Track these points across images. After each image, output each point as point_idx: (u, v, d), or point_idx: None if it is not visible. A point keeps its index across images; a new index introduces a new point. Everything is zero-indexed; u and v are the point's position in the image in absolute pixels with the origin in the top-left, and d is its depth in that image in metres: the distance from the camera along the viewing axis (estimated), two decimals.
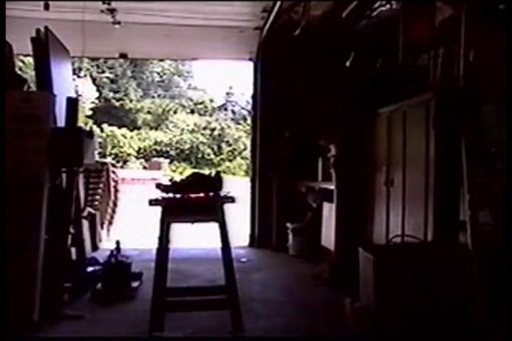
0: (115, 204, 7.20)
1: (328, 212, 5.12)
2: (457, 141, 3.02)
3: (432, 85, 3.66)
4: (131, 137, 24.27)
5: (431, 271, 2.74)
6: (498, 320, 2.59)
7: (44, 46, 3.91)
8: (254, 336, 3.13)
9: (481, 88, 3.03)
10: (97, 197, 6.34)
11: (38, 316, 3.18)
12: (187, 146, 25.33)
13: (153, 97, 28.25)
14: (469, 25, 3.12)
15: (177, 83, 29.86)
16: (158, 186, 3.17)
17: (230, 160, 25.61)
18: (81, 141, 3.61)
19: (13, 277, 3.07)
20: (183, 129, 26.02)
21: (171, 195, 3.12)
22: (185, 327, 3.23)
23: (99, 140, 20.56)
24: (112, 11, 5.47)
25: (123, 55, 6.78)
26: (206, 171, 4.09)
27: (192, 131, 26.01)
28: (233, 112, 28.25)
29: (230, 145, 26.07)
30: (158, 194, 3.13)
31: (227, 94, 28.18)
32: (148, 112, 27.16)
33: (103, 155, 19.19)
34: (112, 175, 6.90)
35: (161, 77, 28.75)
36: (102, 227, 6.48)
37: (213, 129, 26.17)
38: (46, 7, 5.04)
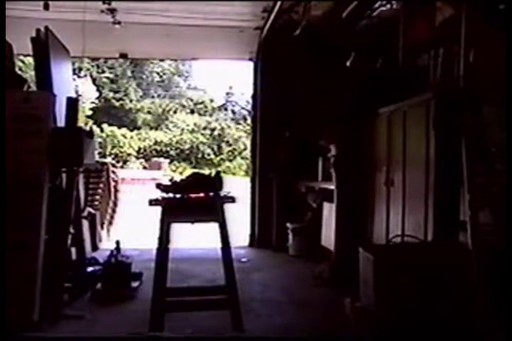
0: (115, 204, 7.20)
1: (328, 212, 5.12)
2: (457, 141, 3.02)
3: (432, 85, 3.66)
4: (131, 137, 24.25)
5: (431, 271, 2.74)
6: (498, 320, 2.59)
7: (44, 46, 3.91)
8: (254, 336, 3.13)
9: (481, 88, 3.03)
10: (97, 197, 6.34)
11: (38, 316, 3.18)
12: (187, 146, 25.32)
13: (153, 97, 28.25)
14: (469, 25, 3.12)
15: (177, 83, 29.85)
16: (158, 186, 3.17)
17: (230, 160, 25.60)
18: (81, 141, 3.61)
19: (13, 277, 3.07)
20: (183, 129, 26.02)
21: (171, 195, 3.12)
22: (185, 327, 3.23)
23: (99, 140, 20.57)
24: (112, 11, 5.47)
25: (123, 55, 6.79)
26: (206, 171, 4.09)
27: (192, 131, 26.00)
28: (233, 112, 28.25)
29: (230, 145, 26.06)
30: (158, 194, 3.13)
31: (227, 94, 28.17)
32: (148, 112, 27.16)
33: (103, 155, 19.19)
34: (111, 175, 6.90)
35: (160, 77, 28.74)
36: (102, 227, 6.48)
37: (213, 129, 26.17)
38: (46, 7, 5.03)
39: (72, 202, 3.83)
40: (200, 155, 25.47)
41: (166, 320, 3.09)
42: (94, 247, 5.87)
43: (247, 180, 7.05)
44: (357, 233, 4.41)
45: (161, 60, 25.20)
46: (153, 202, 3.08)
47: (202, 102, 28.06)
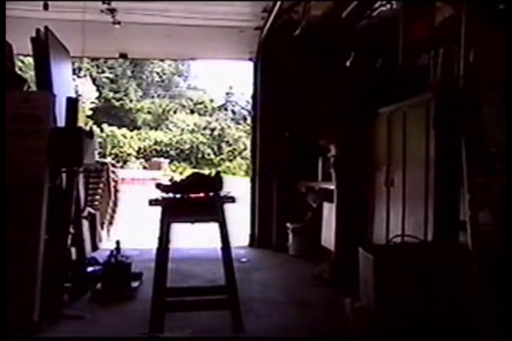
0: (115, 204, 7.20)
1: (328, 212, 5.12)
2: (457, 141, 3.02)
3: (432, 85, 3.67)
4: (131, 137, 24.26)
5: (431, 271, 2.74)
6: (498, 320, 2.59)
7: (44, 46, 3.91)
8: (254, 336, 3.13)
9: (481, 88, 3.03)
10: (97, 197, 6.34)
11: (38, 316, 3.18)
12: (187, 146, 25.33)
13: (153, 97, 28.25)
14: (469, 25, 3.12)
15: (177, 83, 29.85)
16: (158, 186, 3.17)
17: (230, 160, 25.60)
18: (81, 141, 3.61)
19: (13, 277, 3.07)
20: (183, 129, 26.02)
21: (171, 195, 3.12)
22: (185, 327, 3.22)
23: (99, 140, 20.57)
24: (112, 11, 5.47)
25: (123, 55, 6.79)
26: (206, 171, 4.09)
27: (192, 131, 26.00)
28: (233, 112, 28.24)
29: (230, 145, 26.06)
30: (158, 194, 3.13)
31: (227, 94, 28.17)
32: (148, 112, 27.16)
33: (103, 155, 19.20)
34: (111, 175, 6.90)
35: (160, 77, 28.74)
36: (102, 227, 6.48)
37: (213, 129, 26.17)
38: (45, 7, 5.03)
39: (72, 202, 3.83)
40: (200, 155, 25.47)
41: (166, 320, 3.09)
42: (94, 247, 5.87)
43: (247, 180, 7.05)
44: (357, 233, 4.41)
45: (161, 60, 25.21)
46: (153, 202, 3.08)
47: (202, 102, 28.06)
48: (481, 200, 2.86)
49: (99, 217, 6.36)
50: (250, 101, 7.32)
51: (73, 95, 4.63)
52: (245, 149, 23.83)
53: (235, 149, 25.96)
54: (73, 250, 4.18)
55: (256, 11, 5.85)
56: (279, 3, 5.23)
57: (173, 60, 22.82)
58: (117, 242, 4.12)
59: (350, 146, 4.59)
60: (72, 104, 3.77)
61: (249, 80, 6.79)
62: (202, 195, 3.14)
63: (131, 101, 26.96)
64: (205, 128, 26.21)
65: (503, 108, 2.82)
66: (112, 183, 6.94)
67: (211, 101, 28.27)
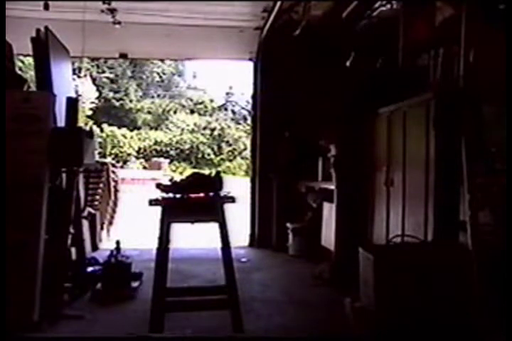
0: (115, 204, 7.20)
1: (328, 212, 5.12)
2: (457, 141, 3.02)
3: (432, 85, 3.67)
4: (131, 137, 24.27)
5: (431, 271, 2.74)
6: (498, 320, 2.59)
7: (44, 46, 3.91)
8: (254, 336, 3.13)
9: (481, 88, 3.03)
10: (97, 197, 6.33)
11: (38, 316, 3.18)
12: (187, 146, 25.33)
13: (153, 97, 28.25)
14: (469, 25, 3.12)
15: (177, 83, 29.86)
16: (158, 186, 3.17)
17: (230, 160, 25.60)
18: (81, 141, 3.61)
19: (13, 277, 3.07)
20: (183, 129, 26.03)
21: (171, 195, 3.12)
22: (185, 327, 3.23)
23: (99, 140, 20.57)
24: (112, 11, 5.47)
25: (123, 55, 6.79)
26: (206, 171, 4.09)
27: (192, 131, 26.01)
28: (233, 112, 28.24)
29: (230, 145, 26.07)
30: (158, 194, 3.13)
31: (227, 94, 28.17)
32: (148, 112, 27.16)
33: (103, 155, 19.20)
34: (111, 175, 6.89)
35: (160, 77, 28.75)
36: (102, 227, 6.48)
37: (213, 129, 26.17)
38: (46, 7, 5.03)
39: (72, 202, 3.83)
40: (200, 155, 25.48)
41: (166, 320, 3.08)
42: (94, 247, 5.87)
43: (247, 180, 7.05)
44: (357, 233, 4.41)
45: (161, 60, 25.21)
46: (153, 202, 3.07)
47: (202, 102, 28.07)
48: (481, 200, 2.86)
49: (99, 217, 6.36)
50: (250, 101, 7.32)
51: (73, 95, 4.63)
52: (245, 149, 23.83)
53: (235, 149, 25.96)
54: (73, 250, 4.18)
55: (256, 11, 5.86)
56: (279, 3, 5.23)
57: (173, 60, 22.81)
58: (117, 242, 4.12)
59: (350, 146, 4.59)
60: (72, 104, 3.77)
61: (249, 80, 6.80)
62: (202, 195, 3.14)
63: (131, 101, 26.96)
64: (205, 128, 26.21)
65: (503, 108, 2.82)
66: (112, 183, 6.93)
67: (211, 101, 28.27)
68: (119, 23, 5.60)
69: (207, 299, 3.26)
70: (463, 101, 3.04)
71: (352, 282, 3.18)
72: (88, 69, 23.49)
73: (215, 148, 25.92)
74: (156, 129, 26.28)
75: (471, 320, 2.68)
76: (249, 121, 14.05)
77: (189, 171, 15.88)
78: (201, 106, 27.96)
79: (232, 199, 3.14)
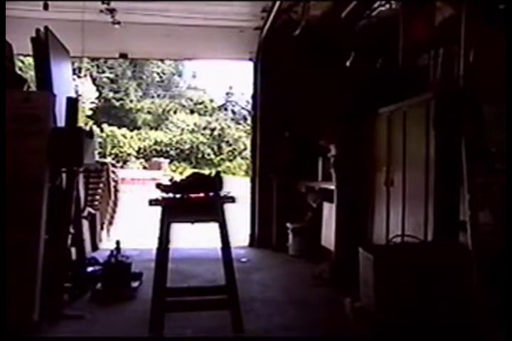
0: (115, 204, 7.20)
1: (328, 212, 5.12)
2: (457, 141, 3.02)
3: (432, 85, 3.66)
4: (131, 137, 24.27)
5: (431, 271, 2.74)
6: (498, 320, 2.59)
7: (44, 46, 3.91)
8: (254, 336, 3.13)
9: (481, 88, 3.03)
10: (97, 197, 6.33)
11: (38, 316, 3.18)
12: (187, 146, 25.33)
13: (153, 97, 28.25)
14: (469, 25, 3.12)
15: (177, 83, 29.86)
16: (158, 186, 3.17)
17: (230, 160, 25.61)
18: (81, 141, 3.61)
19: (13, 277, 3.07)
20: (183, 129, 26.03)
21: (171, 195, 3.12)
22: (185, 327, 3.23)
23: (99, 140, 20.57)
24: (111, 11, 5.47)
25: (123, 55, 6.78)
26: (206, 171, 4.09)
27: (192, 131, 26.01)
28: (233, 112, 28.26)
29: (230, 145, 26.08)
30: (158, 194, 3.13)
31: (227, 94, 28.19)
32: (148, 112, 27.17)
33: (103, 155, 19.20)
34: (111, 175, 6.89)
35: (160, 77, 28.75)
36: (102, 227, 6.48)
37: (213, 129, 26.18)
38: (45, 7, 5.03)
39: (72, 202, 3.83)
40: (200, 155, 25.48)
41: (166, 320, 3.09)
42: (94, 247, 5.87)
43: (247, 180, 7.05)
44: (357, 233, 4.41)
45: (161, 60, 25.21)
46: (153, 202, 3.08)
47: (202, 102, 28.08)
48: (481, 200, 2.86)
49: (99, 217, 6.36)
50: (250, 101, 7.32)
51: (73, 95, 4.63)
52: (245, 149, 23.84)
53: (235, 149, 25.97)
54: (73, 250, 4.18)
55: (256, 11, 5.85)
56: (278, 3, 5.23)
57: (173, 60, 22.81)
58: (117, 242, 4.12)
59: (350, 146, 4.59)
60: (72, 104, 3.77)
61: (249, 80, 6.80)
62: (202, 195, 3.14)
63: (131, 101, 26.97)
64: (205, 128, 26.22)
65: (503, 108, 2.82)
66: (112, 183, 6.94)
67: (211, 101, 28.29)
68: (119, 23, 5.61)
69: (207, 299, 3.26)
70: (463, 101, 3.04)
71: (352, 282, 3.18)
72: (88, 69, 23.49)
73: (215, 148, 25.93)
74: (156, 129, 26.29)
75: (471, 320, 2.68)
76: (249, 121, 14.04)
77: (189, 171, 15.88)
78: (201, 106, 27.97)
79: (232, 199, 3.14)
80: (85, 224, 5.31)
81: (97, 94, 17.20)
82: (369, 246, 3.15)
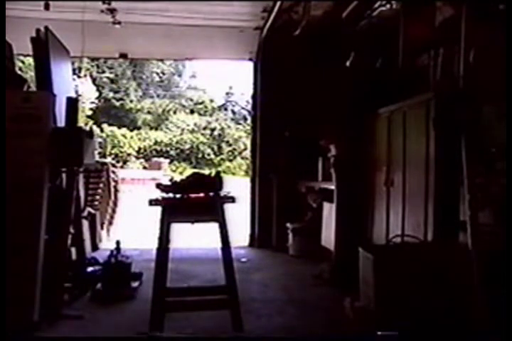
0: (115, 204, 7.20)
1: (328, 212, 5.12)
2: (457, 141, 3.02)
3: (432, 85, 3.67)
4: (131, 137, 24.26)
5: (431, 271, 2.74)
6: (498, 320, 2.59)
7: (44, 46, 3.91)
8: (254, 336, 3.13)
9: (481, 88, 3.03)
10: (97, 197, 6.34)
11: (38, 316, 3.18)
12: (187, 146, 25.33)
13: (152, 97, 28.25)
14: (469, 25, 3.12)
15: (177, 83, 29.86)
16: (158, 186, 3.17)
17: (230, 160, 25.61)
18: (81, 141, 3.61)
19: (13, 277, 3.07)
20: (183, 129, 26.03)
21: (171, 195, 3.12)
22: (185, 327, 3.23)
23: (99, 140, 20.56)
24: (111, 11, 5.47)
25: (123, 55, 6.78)
26: (206, 171, 4.09)
27: (192, 131, 26.01)
28: (233, 112, 28.26)
29: (230, 145, 26.07)
30: (158, 194, 3.13)
31: (227, 94, 28.19)
32: (148, 112, 27.16)
33: (103, 155, 19.19)
34: (111, 175, 6.90)
35: (160, 77, 28.75)
36: (102, 227, 6.48)
37: (213, 129, 26.17)
38: (46, 7, 5.04)
39: (72, 202, 3.83)
40: (200, 155, 25.48)
41: (166, 320, 3.09)
42: (94, 247, 5.87)
43: (247, 180, 7.05)
44: (357, 233, 4.41)
45: (161, 60, 25.20)
46: (153, 202, 3.08)
47: (202, 102, 28.07)
48: (481, 200, 2.86)
49: (99, 217, 6.36)
50: (250, 101, 7.32)
51: (73, 95, 4.63)
52: (245, 149, 23.83)
53: (235, 149, 25.96)
54: (73, 250, 4.18)
55: (256, 11, 5.85)
56: (279, 3, 5.23)
57: (173, 59, 22.81)
58: (117, 242, 4.12)
59: (350, 146, 4.59)
60: (72, 104, 3.77)
61: (249, 80, 6.80)
62: (202, 195, 3.14)
63: (131, 101, 26.96)
64: (205, 128, 26.21)
65: (503, 108, 2.82)
66: (112, 183, 6.94)
67: (211, 101, 28.28)
68: (119, 23, 5.61)
69: (207, 299, 3.26)
70: (463, 101, 3.04)
71: (352, 282, 3.18)
72: (88, 69, 23.50)
73: (215, 148, 25.92)
74: (156, 129, 26.28)
75: (470, 319, 2.68)
76: (249, 121, 14.04)
77: (189, 171, 15.88)
78: (201, 106, 27.96)
79: (232, 199, 3.14)
80: (85, 224, 5.31)
81: (97, 94, 17.23)
82: (369, 246, 3.15)
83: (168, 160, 22.92)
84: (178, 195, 3.11)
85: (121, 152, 23.25)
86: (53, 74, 3.93)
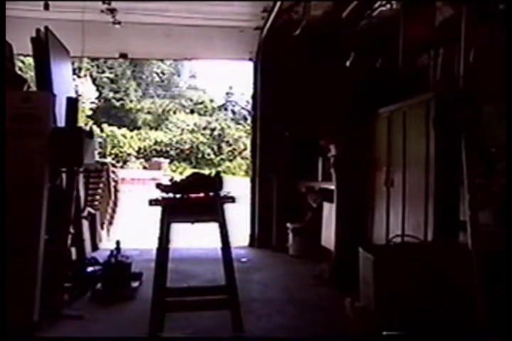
0: (115, 204, 7.20)
1: (328, 212, 5.12)
2: (457, 141, 3.02)
3: (432, 85, 3.67)
4: (131, 137, 24.25)
5: (431, 271, 2.74)
6: (498, 320, 2.59)
7: (44, 46, 3.91)
8: (254, 336, 3.13)
9: (481, 88, 3.03)
10: (97, 197, 6.34)
11: (38, 316, 3.18)
12: (187, 146, 25.32)
13: (152, 97, 28.25)
14: (469, 25, 3.12)
15: (177, 83, 29.86)
16: (158, 186, 3.17)
17: (230, 160, 25.59)
18: (81, 141, 3.61)
19: (13, 277, 3.06)
20: (183, 129, 26.02)
21: (171, 195, 3.12)
22: (185, 327, 3.23)
23: (99, 140, 20.56)
24: (111, 11, 5.47)
25: (123, 55, 6.79)
26: (206, 171, 4.09)
27: (192, 131, 26.00)
28: (233, 112, 28.24)
29: (230, 145, 26.06)
30: (158, 194, 3.13)
31: (227, 94, 28.17)
32: (148, 112, 27.15)
33: (103, 155, 19.19)
34: (111, 175, 6.90)
35: (160, 77, 28.74)
36: (102, 227, 6.48)
37: (213, 129, 26.16)
38: (46, 7, 5.04)
39: (72, 202, 3.83)
40: (200, 155, 25.47)
41: (166, 320, 3.09)
42: (94, 247, 5.87)
43: (247, 180, 7.05)
44: (357, 233, 4.41)
45: (161, 60, 25.20)
46: (153, 202, 3.08)
47: (202, 102, 28.06)
48: (481, 200, 2.86)
49: (99, 217, 6.36)
50: (250, 101, 7.32)
51: (73, 95, 4.63)
52: (245, 149, 23.82)
53: (235, 149, 25.95)
54: (73, 250, 4.18)
55: (256, 11, 5.85)
56: (279, 3, 5.24)
57: (173, 59, 22.81)
58: (117, 242, 4.12)
59: (350, 146, 4.59)
60: (72, 104, 3.77)
61: (249, 80, 6.80)
62: (202, 195, 3.14)
63: (131, 101, 26.96)
64: (205, 128, 26.20)
65: (503, 108, 2.82)
66: (112, 183, 6.94)
67: (211, 101, 28.27)
68: (119, 23, 5.61)
69: (207, 299, 3.26)
70: (463, 101, 3.04)
71: (352, 282, 3.18)
72: (88, 69, 23.50)
73: (215, 148, 25.92)
74: (156, 129, 26.27)
75: (470, 319, 2.68)
76: (249, 121, 14.04)
77: (189, 171, 15.88)
78: (201, 106, 27.95)
79: (232, 199, 3.14)
80: (85, 224, 5.31)
81: (97, 94, 17.23)
82: (369, 246, 3.15)
83: (168, 160, 22.91)
84: (178, 195, 3.11)
85: (121, 152, 23.24)
86: (53, 74, 3.93)
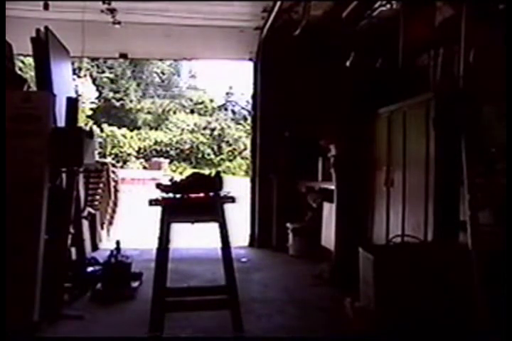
0: (115, 204, 7.20)
1: (328, 212, 5.12)
2: (457, 141, 3.02)
3: (432, 85, 3.67)
4: (131, 137, 24.26)
5: (431, 271, 2.74)
6: (498, 320, 2.59)
7: (44, 46, 3.91)
8: (254, 336, 3.13)
9: (481, 88, 3.03)
10: (97, 197, 6.34)
11: (38, 316, 3.18)
12: (187, 146, 25.32)
13: (153, 97, 28.25)
14: (469, 25, 3.12)
15: (177, 83, 29.86)
16: (158, 186, 3.17)
17: (230, 160, 25.60)
18: (81, 141, 3.61)
19: (13, 277, 3.06)
20: (183, 129, 26.02)
21: (171, 195, 3.12)
22: (185, 327, 3.23)
23: (99, 140, 20.57)
24: (111, 11, 5.47)
25: (123, 55, 6.78)
26: (206, 171, 4.09)
27: (192, 131, 26.00)
28: (233, 112, 28.25)
29: (230, 145, 26.07)
30: (158, 194, 3.13)
31: (227, 94, 28.17)
32: (148, 112, 27.15)
33: (103, 155, 19.20)
34: (111, 175, 6.90)
35: (160, 77, 28.74)
36: (102, 227, 6.48)
37: (213, 129, 26.17)
38: (46, 7, 5.04)
39: (72, 202, 3.83)
40: (200, 155, 25.47)
41: (166, 320, 3.08)
42: (94, 247, 5.87)
43: (247, 180, 7.05)
44: (357, 233, 4.41)
45: (161, 60, 25.21)
46: (153, 202, 3.07)
47: (202, 102, 28.06)
48: (481, 200, 2.86)
49: (99, 217, 6.36)
50: (250, 101, 7.32)
51: (73, 95, 4.63)
52: (245, 149, 23.83)
53: (235, 149, 25.96)
54: (73, 250, 4.18)
55: (256, 11, 5.86)
56: (279, 3, 5.23)
57: (172, 59, 22.80)
58: (117, 242, 4.12)
59: (350, 146, 4.59)
60: (72, 104, 3.77)
61: (249, 80, 6.80)
62: (202, 195, 3.14)
63: (131, 101, 26.96)
64: (205, 128, 26.20)
65: (503, 108, 2.82)
66: (112, 183, 6.94)
67: (211, 101, 28.27)
68: (119, 23, 5.61)
69: (207, 299, 3.26)
70: (463, 101, 3.04)
71: (352, 282, 3.18)
72: (88, 69, 23.50)
73: (215, 148, 25.92)
74: (156, 129, 26.28)
75: (470, 319, 2.68)
76: (249, 121, 14.04)
77: (189, 171, 15.88)
78: (201, 106, 27.95)
79: (232, 199, 3.14)
80: (85, 224, 5.31)
81: (97, 94, 17.22)
82: (369, 246, 3.15)
83: (168, 160, 22.92)
84: (178, 195, 3.11)
85: (121, 152, 23.25)
86: (53, 74, 3.93)
